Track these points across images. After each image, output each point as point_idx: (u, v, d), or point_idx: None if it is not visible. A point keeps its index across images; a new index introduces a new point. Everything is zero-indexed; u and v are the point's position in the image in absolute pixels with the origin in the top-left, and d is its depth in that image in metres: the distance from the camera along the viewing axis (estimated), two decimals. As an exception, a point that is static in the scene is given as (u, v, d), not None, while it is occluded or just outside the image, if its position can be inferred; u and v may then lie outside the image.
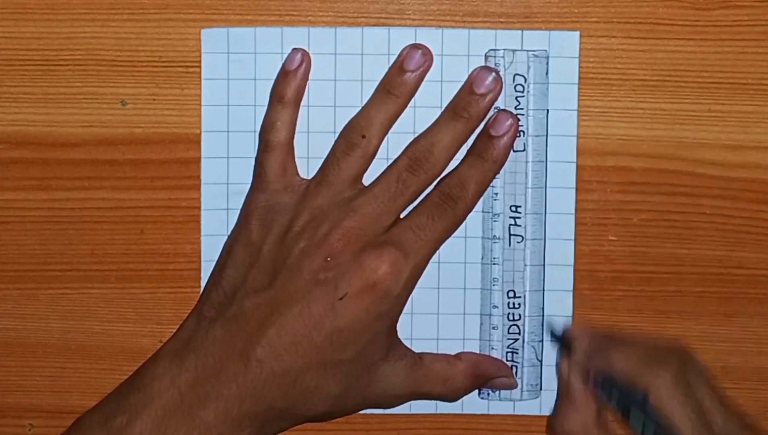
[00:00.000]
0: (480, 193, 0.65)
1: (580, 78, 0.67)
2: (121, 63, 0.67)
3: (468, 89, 0.65)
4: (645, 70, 0.67)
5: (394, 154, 0.65)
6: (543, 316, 0.68)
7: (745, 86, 0.67)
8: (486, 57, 0.66)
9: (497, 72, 0.65)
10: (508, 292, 0.67)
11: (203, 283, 0.67)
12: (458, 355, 0.67)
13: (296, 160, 0.66)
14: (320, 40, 0.66)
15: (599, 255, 0.68)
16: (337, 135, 0.67)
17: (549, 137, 0.67)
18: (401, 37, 0.67)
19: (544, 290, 0.68)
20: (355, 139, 0.65)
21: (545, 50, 0.66)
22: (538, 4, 0.66)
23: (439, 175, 0.65)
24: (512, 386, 0.68)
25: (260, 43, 0.66)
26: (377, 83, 0.66)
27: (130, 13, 0.66)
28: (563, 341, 0.66)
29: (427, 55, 0.66)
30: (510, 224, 0.67)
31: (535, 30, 0.66)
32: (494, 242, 0.67)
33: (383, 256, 0.62)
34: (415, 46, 0.66)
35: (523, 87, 0.66)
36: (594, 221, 0.68)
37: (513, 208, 0.66)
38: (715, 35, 0.66)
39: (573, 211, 0.68)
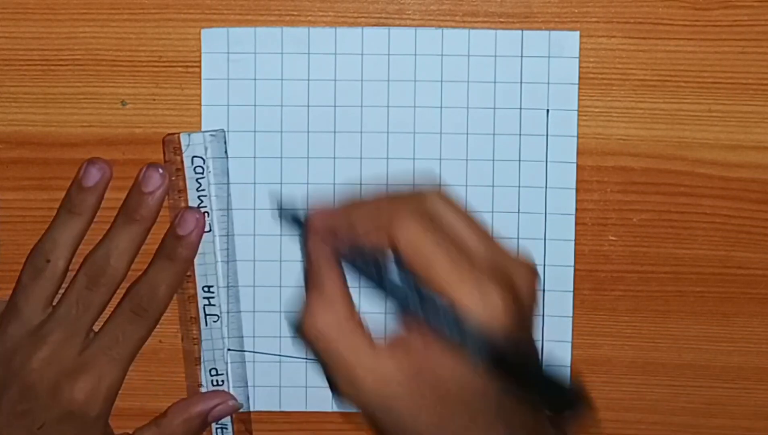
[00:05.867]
0: (172, 294, 0.66)
1: (580, 78, 0.67)
2: (121, 63, 0.67)
3: (137, 190, 0.66)
4: (645, 70, 0.67)
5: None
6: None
7: (745, 86, 0.67)
8: (164, 142, 0.66)
9: (163, 168, 0.66)
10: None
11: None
12: (164, 413, 0.68)
13: (296, 160, 0.66)
14: (320, 40, 0.66)
15: (599, 255, 0.68)
16: (337, 135, 0.67)
17: (549, 137, 0.67)
18: (401, 37, 0.67)
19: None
20: (40, 263, 0.66)
21: (222, 129, 0.66)
22: (538, 4, 0.66)
23: (121, 281, 0.66)
24: (233, 408, 0.68)
25: (260, 43, 0.66)
26: (377, 83, 0.66)
27: (130, 13, 0.66)
28: (302, 224, 0.63)
29: (103, 169, 0.66)
30: (204, 305, 0.67)
31: (535, 30, 0.66)
32: (192, 323, 0.68)
33: (77, 384, 0.64)
34: (91, 162, 0.66)
35: (203, 168, 0.66)
36: (594, 221, 0.68)
37: (206, 289, 0.67)
38: (715, 35, 0.66)
39: (573, 211, 0.68)
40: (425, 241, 0.56)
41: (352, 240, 0.59)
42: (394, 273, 0.58)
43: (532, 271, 0.59)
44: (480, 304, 0.56)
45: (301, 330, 0.59)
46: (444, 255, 0.56)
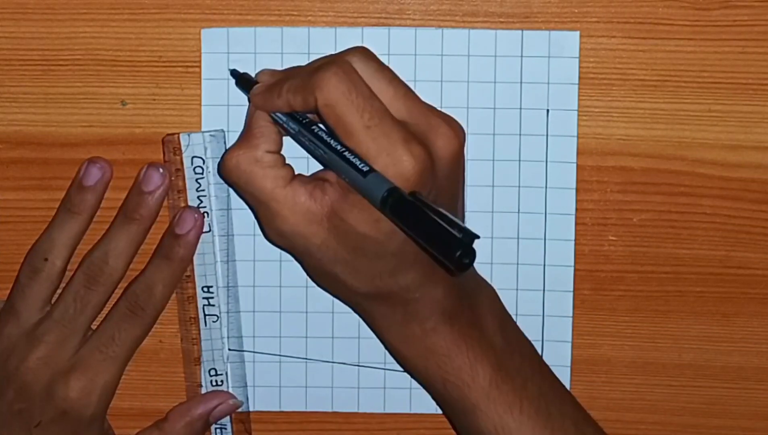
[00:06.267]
0: (169, 294, 0.66)
1: (580, 78, 0.67)
2: (121, 63, 0.67)
3: (137, 189, 0.66)
4: (645, 70, 0.67)
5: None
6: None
7: (745, 86, 0.67)
8: (164, 142, 0.66)
9: (163, 168, 0.66)
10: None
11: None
12: (164, 417, 0.68)
13: (296, 160, 0.66)
14: (320, 40, 0.66)
15: (599, 255, 0.68)
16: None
17: (549, 137, 0.67)
18: (401, 37, 0.67)
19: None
20: (38, 263, 0.66)
21: (222, 129, 0.66)
22: (538, 4, 0.66)
23: (119, 281, 0.66)
24: (234, 407, 0.68)
25: (260, 43, 0.66)
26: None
27: (130, 13, 0.66)
28: (245, 81, 0.65)
29: (103, 169, 0.66)
30: (204, 305, 0.67)
31: (535, 30, 0.66)
32: (191, 323, 0.68)
33: (71, 383, 0.64)
34: (91, 161, 0.66)
35: (203, 168, 0.66)
36: (594, 221, 0.68)
37: (205, 289, 0.67)
38: (715, 35, 0.66)
39: (573, 211, 0.68)
40: (340, 101, 0.58)
41: (287, 98, 0.60)
42: (320, 129, 0.60)
43: (455, 133, 0.60)
44: (389, 168, 0.57)
45: (222, 168, 0.62)
46: (357, 116, 0.58)
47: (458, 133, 0.61)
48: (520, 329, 0.66)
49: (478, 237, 0.55)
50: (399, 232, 0.59)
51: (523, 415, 0.62)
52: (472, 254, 0.54)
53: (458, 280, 0.63)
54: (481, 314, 0.64)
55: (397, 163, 0.58)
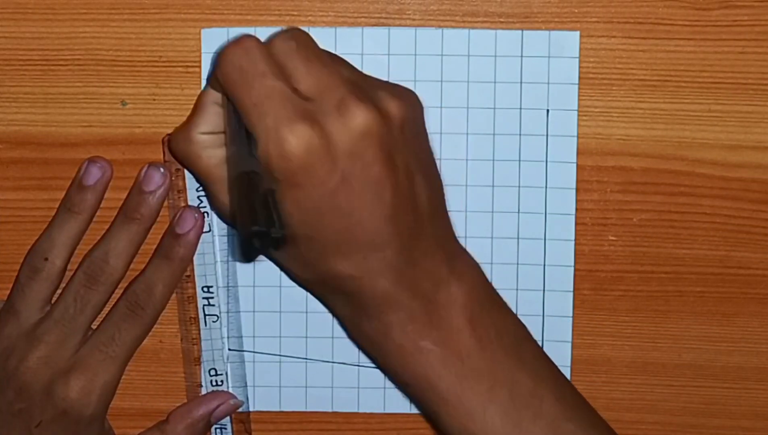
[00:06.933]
0: (169, 293, 0.66)
1: (580, 78, 0.67)
2: (121, 63, 0.67)
3: (137, 189, 0.66)
4: (645, 70, 0.67)
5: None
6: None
7: (745, 86, 0.67)
8: (164, 142, 0.66)
9: (164, 168, 0.66)
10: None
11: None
12: (166, 419, 0.68)
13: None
14: (320, 40, 0.66)
15: (599, 255, 0.68)
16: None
17: (549, 137, 0.67)
18: (401, 37, 0.67)
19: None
20: (38, 263, 0.66)
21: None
22: (538, 4, 0.66)
23: (119, 280, 0.66)
24: (235, 407, 0.68)
25: (260, 43, 0.66)
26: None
27: (130, 13, 0.66)
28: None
29: (104, 168, 0.66)
30: (204, 305, 0.67)
31: (535, 30, 0.66)
32: (191, 323, 0.68)
33: (70, 383, 0.64)
34: (92, 160, 0.66)
35: None
36: (594, 221, 0.68)
37: (205, 289, 0.67)
38: (715, 35, 0.66)
39: (573, 211, 0.68)
40: (232, 76, 0.58)
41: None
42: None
43: (362, 125, 0.57)
44: (271, 146, 0.56)
45: (168, 145, 0.63)
46: (246, 93, 0.57)
47: (367, 125, 0.57)
48: (505, 317, 0.63)
49: (255, 237, 0.55)
50: (316, 218, 0.58)
51: (486, 423, 0.60)
52: (249, 248, 0.54)
53: (415, 276, 0.60)
54: (444, 313, 0.60)
55: (279, 142, 0.56)
